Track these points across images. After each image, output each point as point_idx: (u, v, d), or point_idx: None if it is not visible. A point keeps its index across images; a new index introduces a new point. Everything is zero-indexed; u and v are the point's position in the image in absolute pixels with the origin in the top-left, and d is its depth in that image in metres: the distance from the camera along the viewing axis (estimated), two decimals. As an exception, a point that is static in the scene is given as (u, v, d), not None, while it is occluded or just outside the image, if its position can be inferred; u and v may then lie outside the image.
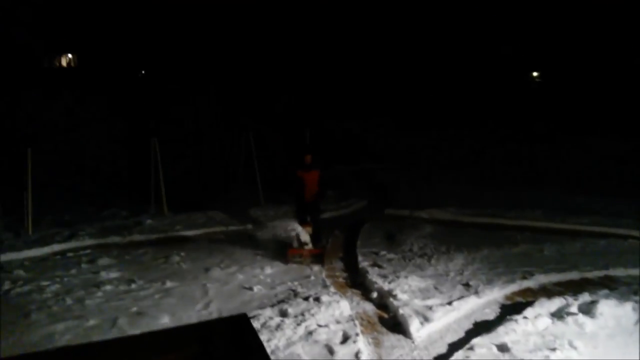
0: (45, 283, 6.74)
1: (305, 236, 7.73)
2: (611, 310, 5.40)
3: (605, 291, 6.14)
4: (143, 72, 34.67)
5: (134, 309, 5.89)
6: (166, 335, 1.57)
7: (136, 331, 5.33)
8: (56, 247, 8.45)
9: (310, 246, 7.75)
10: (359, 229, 9.47)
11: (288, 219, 7.88)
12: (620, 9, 24.96)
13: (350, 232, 9.47)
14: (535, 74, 32.54)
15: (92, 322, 5.51)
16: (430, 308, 5.71)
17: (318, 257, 7.72)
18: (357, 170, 16.49)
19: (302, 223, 7.86)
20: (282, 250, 7.87)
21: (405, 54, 29.11)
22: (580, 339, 4.89)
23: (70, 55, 34.78)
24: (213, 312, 5.84)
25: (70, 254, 8.18)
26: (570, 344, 4.79)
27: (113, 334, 5.27)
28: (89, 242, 8.76)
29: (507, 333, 5.05)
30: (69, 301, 6.12)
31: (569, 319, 5.29)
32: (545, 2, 27.17)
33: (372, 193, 12.92)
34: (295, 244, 7.76)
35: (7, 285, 6.70)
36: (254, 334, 1.47)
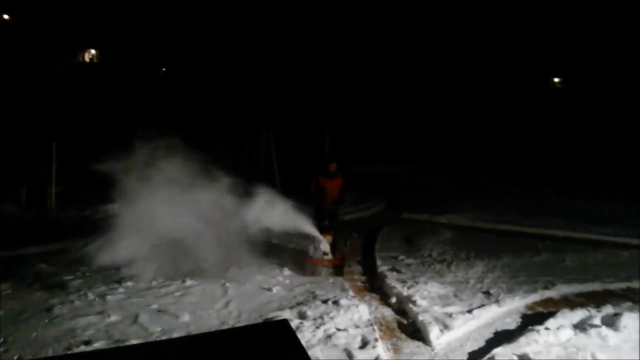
0: (67, 277, 6.85)
1: (325, 246, 7.38)
2: (635, 323, 5.30)
3: (629, 304, 6.05)
4: (164, 69, 35.03)
5: (155, 306, 5.95)
6: (204, 340, 1.58)
7: (157, 328, 5.40)
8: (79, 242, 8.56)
9: (330, 256, 7.39)
10: (377, 232, 9.44)
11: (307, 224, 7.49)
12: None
13: (368, 236, 9.45)
14: (556, 79, 32.20)
15: (113, 318, 5.58)
16: (450, 315, 5.67)
17: (338, 268, 7.34)
18: (375, 172, 16.45)
19: (322, 231, 7.44)
20: (299, 257, 7.69)
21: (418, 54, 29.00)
22: (604, 352, 4.81)
23: (93, 51, 35.26)
24: (232, 311, 5.87)
25: (92, 249, 8.29)
26: (593, 357, 4.72)
27: (134, 330, 5.34)
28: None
29: (528, 344, 4.99)
30: (90, 296, 6.20)
31: (592, 331, 5.20)
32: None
33: (389, 196, 12.86)
34: (312, 253, 7.43)
35: (30, 279, 6.82)
36: (295, 340, 1.48)
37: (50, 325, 5.41)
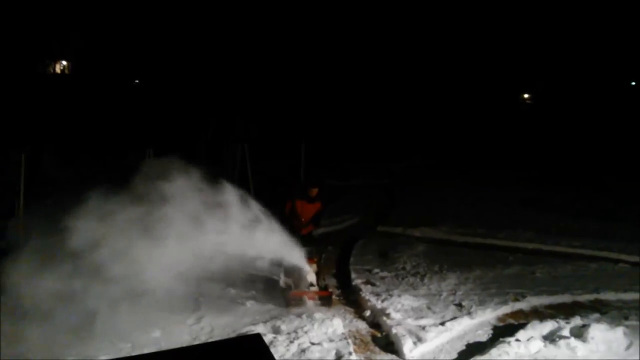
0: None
1: (312, 276, 6.72)
2: (602, 334, 5.44)
3: (597, 315, 6.20)
4: (137, 81, 34.72)
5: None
6: (176, 356, 1.57)
7: (127, 345, 5.28)
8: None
9: (316, 287, 6.74)
10: (352, 245, 9.46)
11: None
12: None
13: (343, 249, 9.46)
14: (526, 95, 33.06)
15: (82, 334, 5.44)
16: (423, 328, 5.72)
17: (326, 299, 6.62)
18: (350, 186, 16.50)
19: (307, 259, 6.78)
20: (271, 288, 6.94)
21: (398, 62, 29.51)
22: (572, 363, 4.92)
23: (64, 62, 34.72)
24: (205, 326, 5.81)
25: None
26: (563, 368, 4.82)
27: (104, 346, 5.22)
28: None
29: (500, 355, 5.08)
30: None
31: (561, 342, 5.32)
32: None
33: (365, 209, 12.91)
34: (283, 283, 6.78)
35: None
36: (268, 355, 1.48)
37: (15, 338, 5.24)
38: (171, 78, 29.93)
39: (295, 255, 6.56)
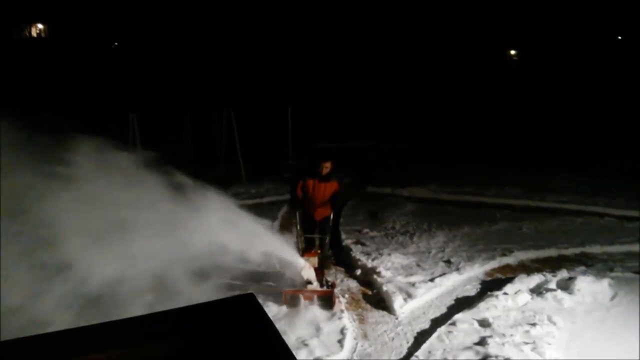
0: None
1: (309, 272, 5.54)
2: (588, 286, 5.57)
3: (582, 268, 6.34)
4: (116, 43, 33.79)
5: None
6: (167, 317, 1.54)
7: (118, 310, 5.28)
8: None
9: (315, 285, 5.53)
10: (342, 206, 9.47)
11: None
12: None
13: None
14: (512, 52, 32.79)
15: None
16: (413, 285, 5.81)
17: (327, 300, 5.45)
18: (339, 148, 16.44)
19: (305, 252, 5.78)
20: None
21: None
22: (559, 315, 5.04)
23: (40, 26, 33.56)
24: (201, 289, 5.81)
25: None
26: (550, 319, 4.93)
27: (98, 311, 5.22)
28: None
29: (487, 309, 5.18)
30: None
31: (548, 294, 5.44)
32: None
33: (353, 170, 12.90)
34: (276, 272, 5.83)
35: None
36: (262, 313, 1.45)
37: None
38: (153, 40, 29.15)
39: (287, 251, 5.60)
